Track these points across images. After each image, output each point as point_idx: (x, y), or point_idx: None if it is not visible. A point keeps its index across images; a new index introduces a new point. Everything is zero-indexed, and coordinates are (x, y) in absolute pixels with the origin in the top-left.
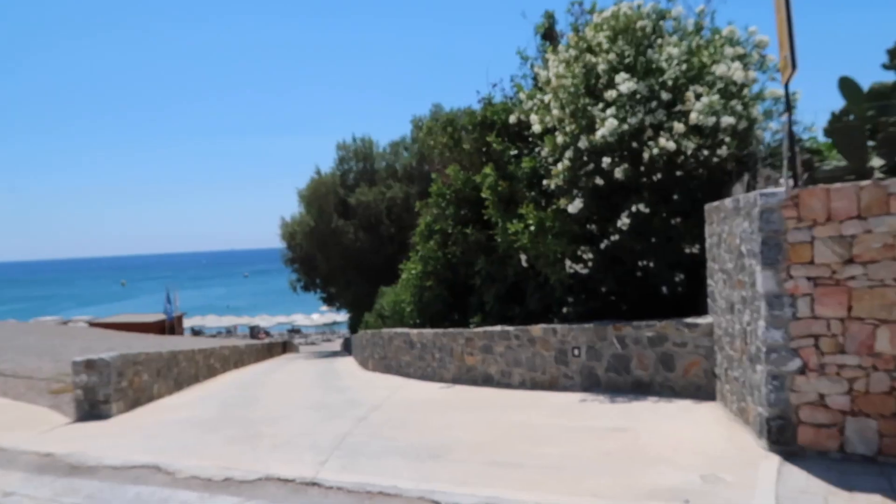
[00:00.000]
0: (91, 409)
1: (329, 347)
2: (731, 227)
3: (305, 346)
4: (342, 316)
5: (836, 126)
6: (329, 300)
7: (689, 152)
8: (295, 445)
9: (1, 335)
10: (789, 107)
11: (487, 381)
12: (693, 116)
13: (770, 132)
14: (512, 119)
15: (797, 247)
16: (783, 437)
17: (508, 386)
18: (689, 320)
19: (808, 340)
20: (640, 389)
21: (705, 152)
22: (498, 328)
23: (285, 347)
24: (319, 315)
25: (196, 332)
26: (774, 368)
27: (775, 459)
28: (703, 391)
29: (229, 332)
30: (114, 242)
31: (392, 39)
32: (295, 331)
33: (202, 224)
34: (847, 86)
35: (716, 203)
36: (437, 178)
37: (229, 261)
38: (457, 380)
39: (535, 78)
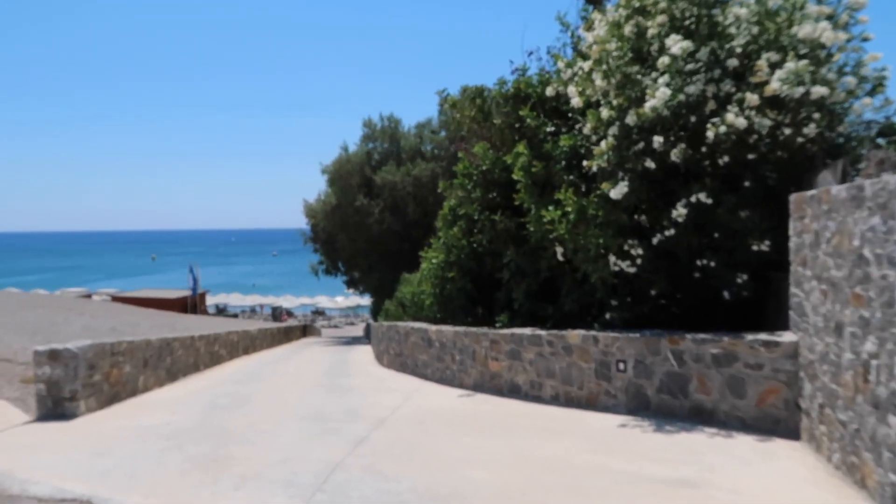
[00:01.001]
0: (55, 406)
1: (351, 332)
2: (841, 223)
3: (328, 328)
4: (366, 299)
5: None
6: (352, 284)
7: (764, 131)
8: (268, 480)
9: (1, 309)
10: None
11: (514, 391)
12: (774, 86)
13: (870, 108)
14: (549, 91)
15: None
16: None
17: (538, 399)
18: (766, 337)
19: None
20: (700, 417)
21: (786, 131)
22: (528, 331)
23: (305, 331)
24: (343, 298)
25: (220, 310)
26: None
27: None
28: (782, 427)
29: (253, 311)
30: (147, 217)
31: (419, 21)
32: (318, 312)
33: (233, 202)
34: None
35: (811, 192)
36: (463, 157)
37: (258, 239)
38: (479, 387)
39: (575, 46)
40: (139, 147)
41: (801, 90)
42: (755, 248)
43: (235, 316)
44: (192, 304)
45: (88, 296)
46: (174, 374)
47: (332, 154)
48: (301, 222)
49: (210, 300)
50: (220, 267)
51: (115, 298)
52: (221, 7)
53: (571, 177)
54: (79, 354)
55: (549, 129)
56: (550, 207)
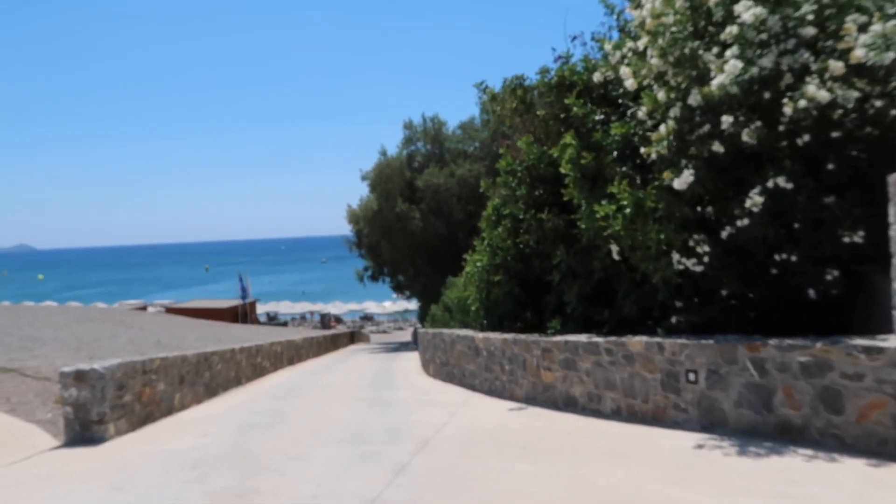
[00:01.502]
0: (82, 430)
1: (400, 337)
2: None
3: (377, 334)
4: (413, 304)
5: None
6: (398, 289)
7: (850, 105)
8: None
9: (54, 323)
10: None
11: (570, 404)
12: (858, 53)
13: None
14: (596, 77)
15: None
16: None
17: (597, 413)
18: (866, 342)
19: None
20: (787, 436)
21: (877, 103)
22: (584, 338)
23: (353, 338)
24: (391, 303)
25: (271, 318)
26: None
27: None
28: (890, 448)
29: (303, 318)
30: (201, 229)
31: (456, 25)
32: (367, 318)
33: (283, 211)
34: None
35: None
36: (505, 153)
37: (307, 246)
38: (531, 399)
39: (621, 29)
40: (193, 161)
41: (891, 55)
42: (846, 239)
43: (285, 324)
44: (242, 313)
45: (144, 308)
46: (213, 389)
47: (375, 160)
48: (347, 228)
49: (261, 308)
50: (271, 275)
51: (169, 310)
52: (264, 27)
53: (625, 168)
54: (105, 375)
55: (598, 117)
56: (603, 202)
